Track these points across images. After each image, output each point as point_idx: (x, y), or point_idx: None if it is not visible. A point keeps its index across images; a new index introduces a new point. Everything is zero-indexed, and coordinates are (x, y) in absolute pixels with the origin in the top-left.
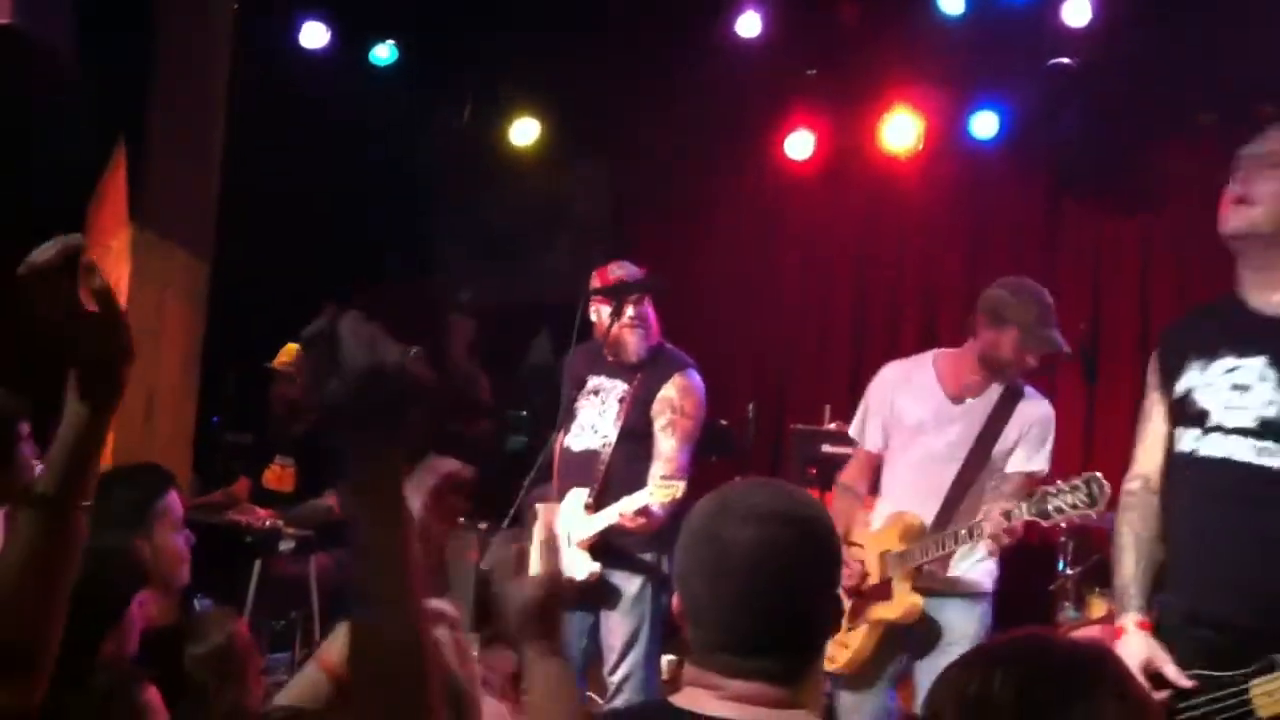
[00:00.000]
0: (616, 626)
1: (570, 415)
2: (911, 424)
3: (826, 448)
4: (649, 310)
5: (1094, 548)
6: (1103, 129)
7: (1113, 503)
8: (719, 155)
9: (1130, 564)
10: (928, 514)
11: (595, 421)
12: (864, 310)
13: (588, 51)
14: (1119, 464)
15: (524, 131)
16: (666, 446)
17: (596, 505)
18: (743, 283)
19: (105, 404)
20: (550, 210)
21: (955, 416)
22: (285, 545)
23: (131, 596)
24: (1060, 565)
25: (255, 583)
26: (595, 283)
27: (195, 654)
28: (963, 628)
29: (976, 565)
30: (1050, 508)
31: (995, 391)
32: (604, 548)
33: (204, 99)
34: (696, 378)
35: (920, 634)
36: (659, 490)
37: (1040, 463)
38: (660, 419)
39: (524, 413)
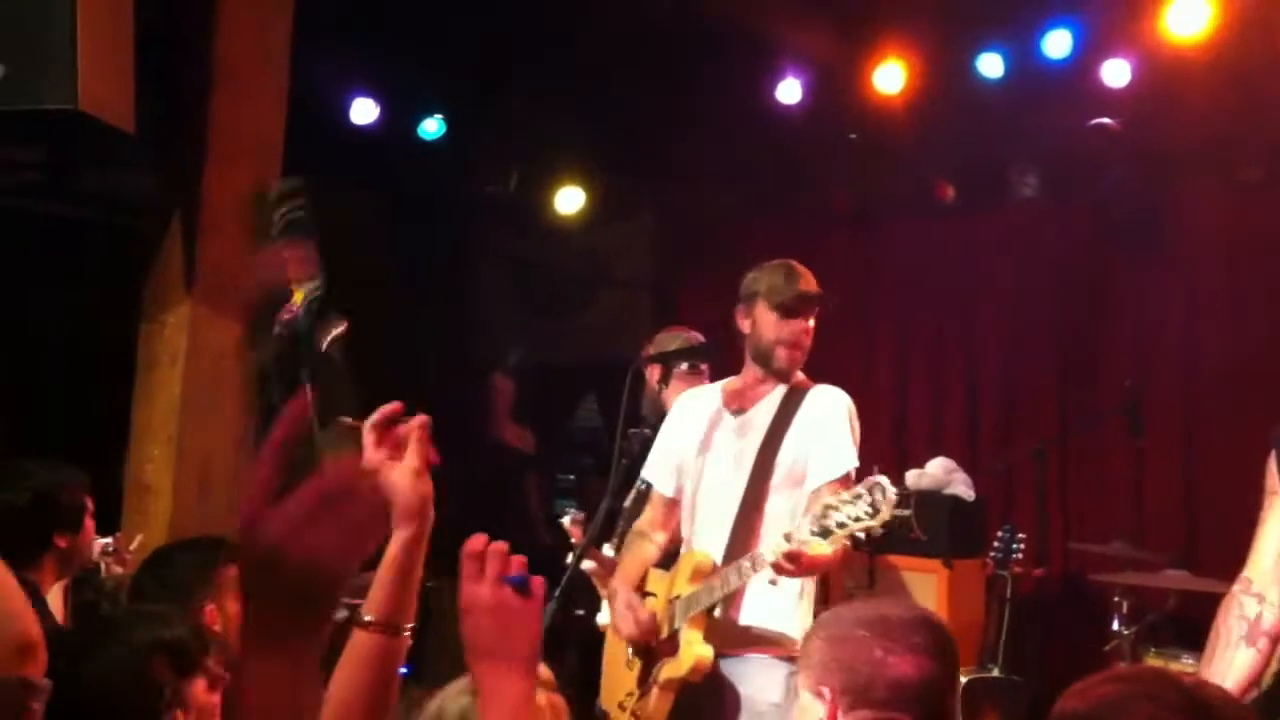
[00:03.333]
0: None
1: None
2: (694, 448)
3: None
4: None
5: (1149, 606)
6: (1145, 185)
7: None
8: (763, 212)
9: (1209, 665)
10: (718, 547)
11: None
12: (906, 367)
13: (630, 117)
14: (1171, 518)
15: (569, 199)
16: None
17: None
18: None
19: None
20: (595, 273)
21: (734, 429)
22: (338, 614)
23: (183, 676)
24: (1115, 624)
25: None
26: (649, 350)
27: None
28: (765, 693)
29: (779, 612)
30: (832, 524)
31: (777, 393)
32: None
33: (257, 175)
34: None
35: (715, 698)
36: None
37: (843, 464)
38: None
39: (571, 476)
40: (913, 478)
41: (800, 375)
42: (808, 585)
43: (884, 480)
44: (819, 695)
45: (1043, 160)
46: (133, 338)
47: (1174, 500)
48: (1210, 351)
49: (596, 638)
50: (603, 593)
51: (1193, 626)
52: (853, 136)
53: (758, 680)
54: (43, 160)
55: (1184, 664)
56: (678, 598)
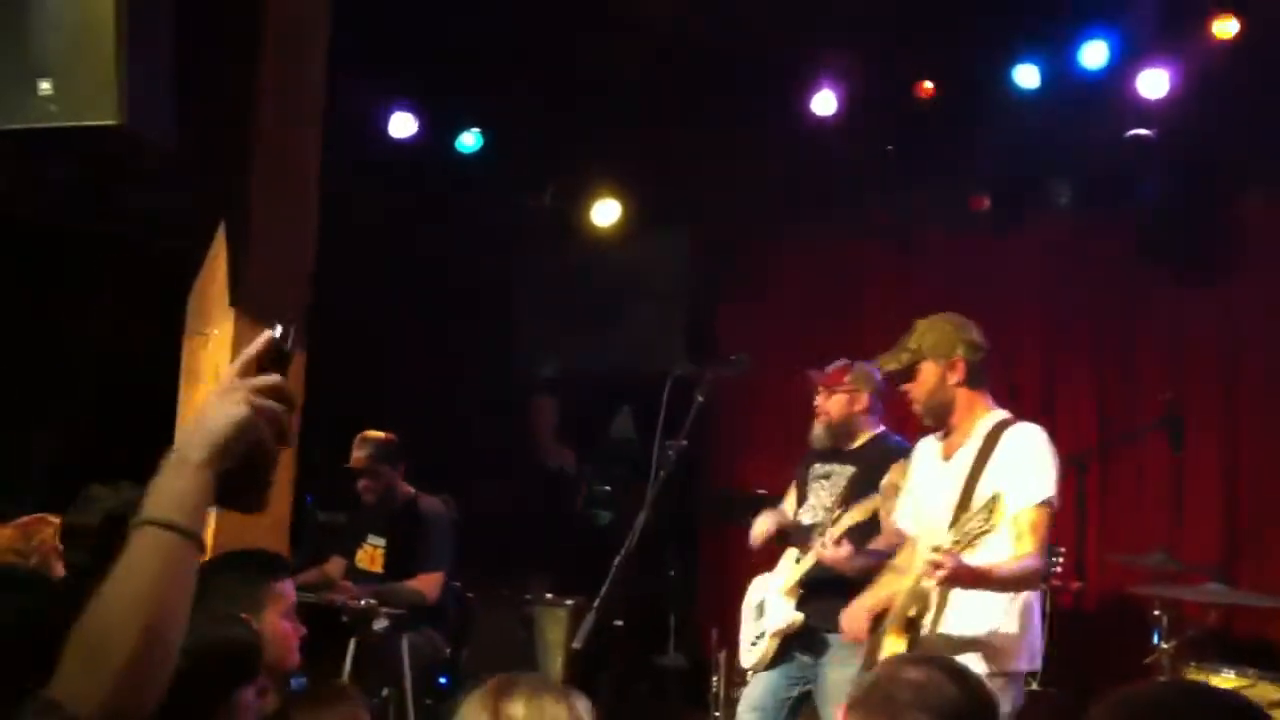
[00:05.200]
0: (825, 685)
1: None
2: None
3: None
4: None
5: (1189, 620)
6: (1183, 197)
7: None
8: (798, 225)
9: None
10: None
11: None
12: None
13: (666, 130)
14: (1210, 533)
15: (605, 212)
16: None
17: None
18: (821, 352)
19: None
20: (632, 285)
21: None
22: (379, 624)
23: (242, 681)
24: (1155, 638)
25: (350, 662)
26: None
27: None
28: None
29: (985, 624)
30: (960, 533)
31: (978, 433)
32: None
33: (300, 190)
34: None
35: None
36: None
37: (1041, 491)
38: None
39: (608, 487)
40: None
41: (1003, 413)
42: (1019, 599)
43: (1001, 493)
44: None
45: (1080, 172)
46: (176, 352)
47: (1213, 514)
48: (1249, 364)
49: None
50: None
51: (1233, 640)
52: (889, 149)
53: None
54: (87, 178)
55: (1224, 678)
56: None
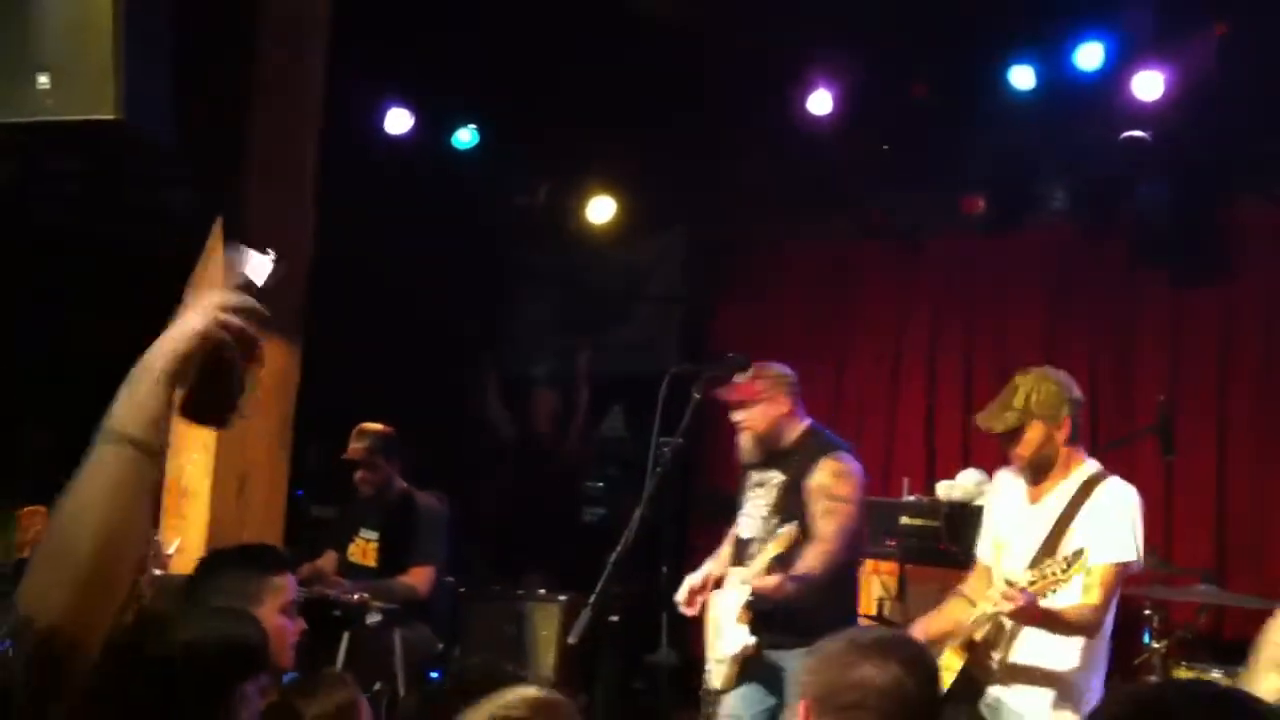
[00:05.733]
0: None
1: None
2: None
3: (904, 520)
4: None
5: (1179, 621)
6: (1179, 199)
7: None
8: (795, 226)
9: (1258, 680)
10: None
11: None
12: (937, 379)
13: (662, 129)
14: (1200, 536)
15: (600, 209)
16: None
17: None
18: (818, 353)
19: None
20: (628, 286)
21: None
22: (372, 619)
23: (246, 676)
24: (1146, 638)
25: (343, 655)
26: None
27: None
28: None
29: (1052, 653)
30: (1038, 575)
31: (1071, 483)
32: (764, 621)
33: (295, 186)
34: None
35: None
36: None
37: (1121, 553)
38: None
39: (600, 484)
40: (944, 489)
41: (1095, 465)
42: (1093, 647)
43: (1086, 549)
44: (798, 710)
45: (1075, 174)
46: None
47: (1204, 516)
48: (1242, 366)
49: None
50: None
51: (1223, 641)
52: (885, 148)
53: (1030, 712)
54: (85, 174)
55: (1214, 678)
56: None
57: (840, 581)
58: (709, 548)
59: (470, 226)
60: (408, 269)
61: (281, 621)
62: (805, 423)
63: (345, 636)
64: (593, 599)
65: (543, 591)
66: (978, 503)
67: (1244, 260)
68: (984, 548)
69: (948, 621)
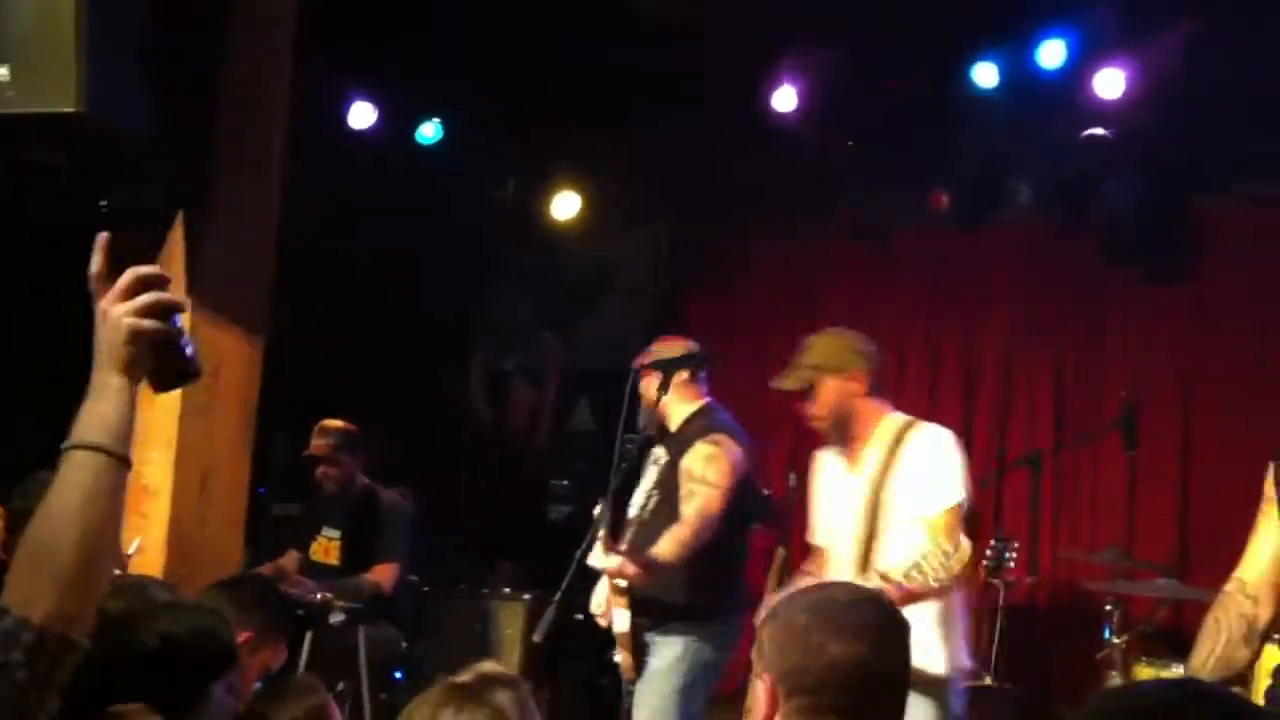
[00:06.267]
0: (640, 698)
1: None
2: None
3: None
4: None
5: (1139, 616)
6: (1146, 196)
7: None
8: (764, 222)
9: (1204, 652)
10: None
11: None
12: (903, 375)
13: (633, 126)
14: (1162, 531)
15: (565, 204)
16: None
17: None
18: (788, 349)
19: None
20: (595, 278)
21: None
22: (335, 618)
23: (217, 675)
24: (1106, 633)
25: (306, 655)
26: (646, 359)
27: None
28: None
29: (935, 648)
30: (913, 568)
31: (881, 437)
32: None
33: (260, 179)
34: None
35: None
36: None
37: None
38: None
39: (565, 482)
40: None
41: (902, 417)
42: (945, 612)
43: (967, 546)
44: (760, 681)
45: (1040, 170)
46: None
47: (1166, 511)
48: (1205, 363)
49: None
50: (615, 605)
51: (1184, 636)
52: (850, 144)
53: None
54: (46, 165)
55: (1174, 672)
56: None
57: (699, 565)
58: None
59: (442, 221)
60: (378, 263)
61: (259, 673)
62: (700, 401)
63: (308, 637)
64: (557, 597)
65: (508, 590)
66: None
67: (1211, 258)
68: (813, 530)
69: None
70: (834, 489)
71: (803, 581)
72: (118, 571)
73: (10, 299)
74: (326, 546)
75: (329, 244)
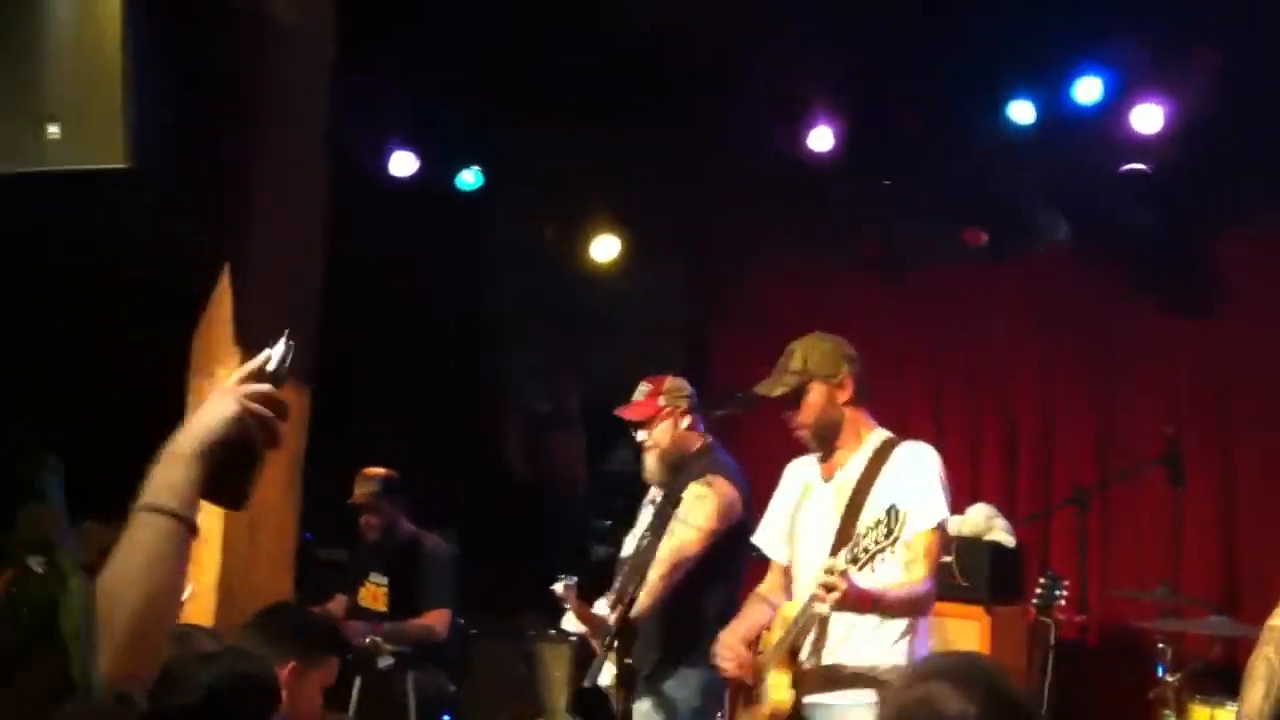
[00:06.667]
0: None
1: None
2: (793, 511)
3: None
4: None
5: (1190, 653)
6: (1179, 232)
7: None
8: (795, 258)
9: (1258, 696)
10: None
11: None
12: (942, 413)
13: (661, 162)
14: (1210, 565)
15: (604, 248)
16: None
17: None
18: None
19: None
20: (625, 318)
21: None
22: (384, 663)
23: (262, 715)
24: (1159, 671)
25: (355, 701)
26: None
27: None
28: None
29: (872, 653)
30: (859, 549)
31: (864, 452)
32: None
33: (304, 229)
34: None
35: None
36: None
37: (935, 514)
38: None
39: (608, 522)
40: (953, 524)
41: (886, 432)
42: (911, 625)
43: (900, 506)
44: None
45: (1077, 206)
46: (184, 391)
47: (1212, 546)
48: (1245, 397)
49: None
50: (598, 651)
51: (1236, 673)
52: (886, 183)
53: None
54: (93, 216)
55: (1228, 710)
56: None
57: (672, 609)
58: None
59: (477, 267)
60: (414, 310)
61: (316, 696)
62: (702, 440)
63: (357, 682)
64: (606, 641)
65: (553, 631)
66: (988, 538)
67: (1245, 292)
68: (773, 543)
69: (751, 625)
70: (807, 503)
71: (756, 608)
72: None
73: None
74: (375, 593)
75: (365, 291)
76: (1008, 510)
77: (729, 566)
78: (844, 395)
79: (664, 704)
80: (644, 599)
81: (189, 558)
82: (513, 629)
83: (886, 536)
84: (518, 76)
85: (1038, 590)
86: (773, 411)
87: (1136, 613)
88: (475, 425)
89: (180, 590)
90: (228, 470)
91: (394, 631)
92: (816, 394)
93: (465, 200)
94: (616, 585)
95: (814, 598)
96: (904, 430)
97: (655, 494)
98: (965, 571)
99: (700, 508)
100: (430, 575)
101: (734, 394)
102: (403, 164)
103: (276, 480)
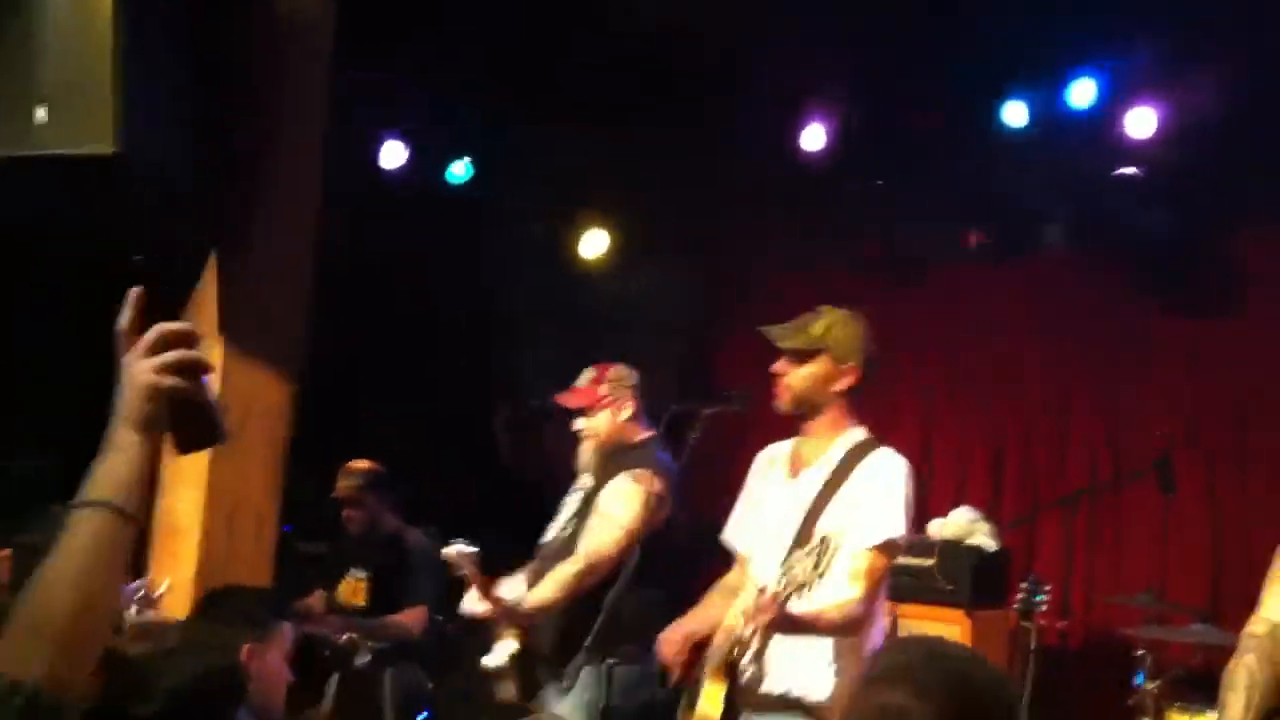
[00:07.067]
0: None
1: None
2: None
3: (898, 559)
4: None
5: (1172, 661)
6: (1179, 232)
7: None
8: (795, 258)
9: (1239, 706)
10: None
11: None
12: (932, 415)
13: (658, 160)
14: (1196, 573)
15: (594, 243)
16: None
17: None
18: None
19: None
20: (626, 316)
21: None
22: (362, 659)
23: (231, 703)
24: (1138, 679)
25: (332, 697)
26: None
27: None
28: None
29: (806, 673)
30: (787, 579)
31: (835, 451)
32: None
33: (296, 220)
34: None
35: None
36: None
37: (885, 530)
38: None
39: None
40: (936, 527)
41: (864, 433)
42: (850, 646)
43: (832, 536)
44: None
45: (1072, 208)
46: None
47: (1199, 555)
48: (1235, 404)
49: None
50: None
51: (1216, 681)
52: (879, 183)
53: None
54: (79, 203)
55: (1208, 717)
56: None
57: (586, 604)
58: (706, 587)
59: (472, 260)
60: (402, 302)
61: (282, 666)
62: (646, 433)
63: (334, 678)
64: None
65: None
66: (970, 541)
67: (1244, 295)
68: (736, 536)
69: (702, 620)
70: (770, 495)
71: (714, 601)
72: (151, 614)
73: (37, 338)
74: (354, 587)
75: (354, 284)
76: (995, 514)
77: (652, 569)
78: (843, 383)
79: (572, 700)
80: (550, 590)
81: (128, 550)
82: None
83: (814, 569)
84: (524, 75)
85: (1019, 595)
86: (768, 413)
87: (1121, 619)
88: (485, 424)
89: (117, 589)
90: (182, 425)
91: (370, 628)
92: (819, 366)
93: (469, 199)
94: (528, 569)
95: (746, 618)
96: (893, 430)
97: (586, 481)
98: (947, 575)
99: (624, 503)
100: (412, 571)
101: (726, 392)
102: (393, 154)
103: (258, 475)
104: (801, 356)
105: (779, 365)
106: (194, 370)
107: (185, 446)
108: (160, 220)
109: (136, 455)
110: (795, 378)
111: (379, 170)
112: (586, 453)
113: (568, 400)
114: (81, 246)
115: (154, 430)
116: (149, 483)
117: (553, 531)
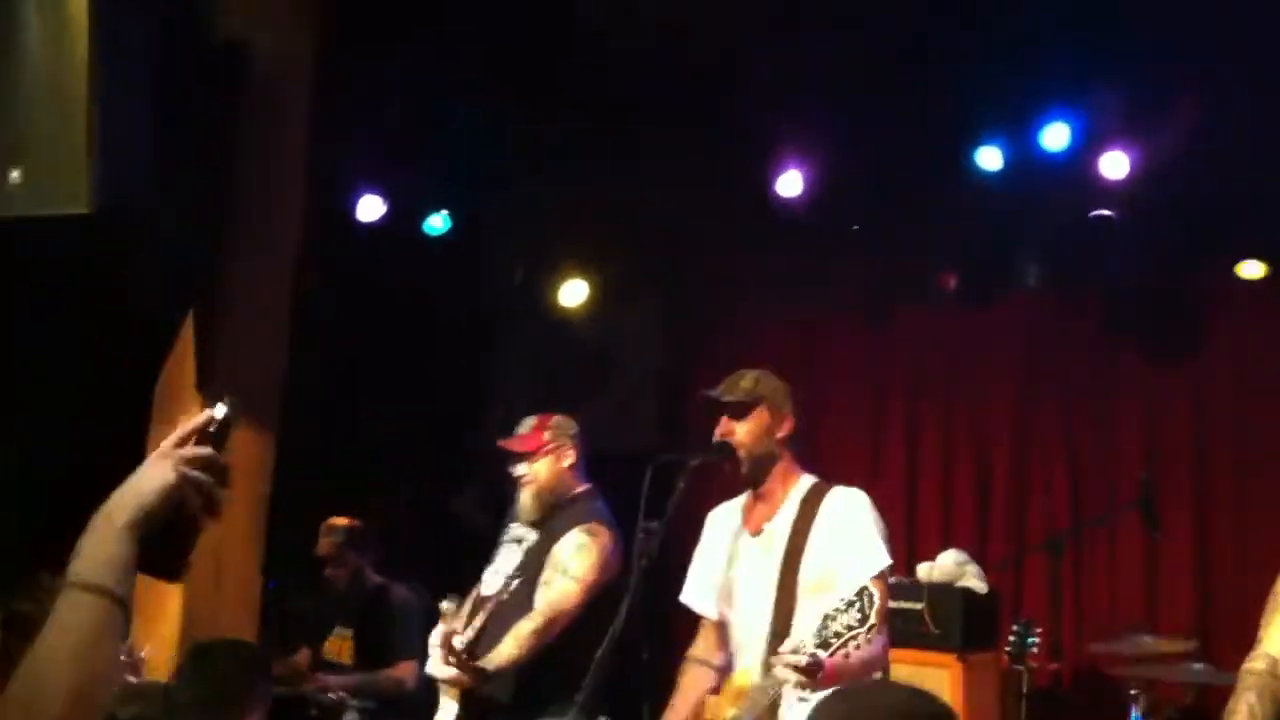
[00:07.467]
0: None
1: None
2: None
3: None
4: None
5: (1169, 699)
6: (1152, 274)
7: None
8: (767, 300)
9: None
10: (756, 665)
11: None
12: (916, 458)
13: (632, 204)
14: (1184, 611)
15: (573, 292)
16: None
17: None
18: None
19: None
20: (602, 362)
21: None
22: (349, 717)
23: None
24: (1134, 718)
25: None
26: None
27: None
28: None
29: None
30: (830, 634)
31: (794, 499)
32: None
33: (274, 274)
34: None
35: None
36: None
37: (876, 563)
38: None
39: None
40: (924, 570)
41: (813, 479)
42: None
43: (871, 587)
44: None
45: (1046, 251)
46: (144, 437)
47: (1187, 592)
48: (1218, 441)
49: None
50: (444, 694)
51: (1210, 718)
52: (855, 229)
53: None
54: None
55: None
56: None
57: (543, 661)
58: (688, 635)
59: (444, 312)
60: (382, 354)
61: None
62: (584, 485)
63: None
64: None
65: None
66: (960, 584)
67: (1217, 333)
68: (702, 600)
69: (694, 700)
70: (737, 552)
71: (694, 675)
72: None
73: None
74: (340, 645)
75: (335, 337)
76: (982, 555)
77: (604, 621)
78: (782, 431)
79: None
80: (512, 649)
81: (124, 637)
82: None
83: (861, 623)
84: (487, 121)
85: (1010, 638)
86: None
87: (1111, 658)
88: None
89: (113, 675)
90: (160, 541)
91: (364, 684)
92: (760, 417)
93: (448, 250)
94: (475, 623)
95: (791, 683)
96: (878, 474)
97: (520, 532)
98: (937, 619)
99: (581, 558)
100: (398, 627)
101: (711, 443)
102: (371, 208)
103: (240, 530)
104: (743, 410)
105: (723, 425)
106: (211, 499)
107: (145, 565)
108: (137, 277)
109: (129, 545)
110: (743, 432)
111: (356, 223)
112: (526, 500)
113: (512, 445)
114: (67, 297)
115: (144, 529)
116: (134, 573)
117: (492, 580)
